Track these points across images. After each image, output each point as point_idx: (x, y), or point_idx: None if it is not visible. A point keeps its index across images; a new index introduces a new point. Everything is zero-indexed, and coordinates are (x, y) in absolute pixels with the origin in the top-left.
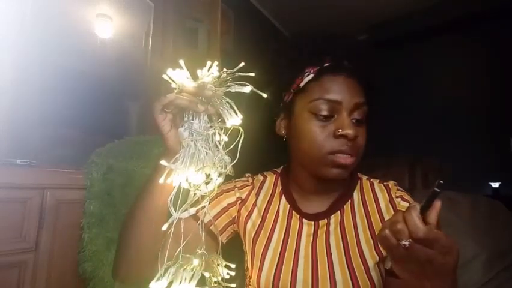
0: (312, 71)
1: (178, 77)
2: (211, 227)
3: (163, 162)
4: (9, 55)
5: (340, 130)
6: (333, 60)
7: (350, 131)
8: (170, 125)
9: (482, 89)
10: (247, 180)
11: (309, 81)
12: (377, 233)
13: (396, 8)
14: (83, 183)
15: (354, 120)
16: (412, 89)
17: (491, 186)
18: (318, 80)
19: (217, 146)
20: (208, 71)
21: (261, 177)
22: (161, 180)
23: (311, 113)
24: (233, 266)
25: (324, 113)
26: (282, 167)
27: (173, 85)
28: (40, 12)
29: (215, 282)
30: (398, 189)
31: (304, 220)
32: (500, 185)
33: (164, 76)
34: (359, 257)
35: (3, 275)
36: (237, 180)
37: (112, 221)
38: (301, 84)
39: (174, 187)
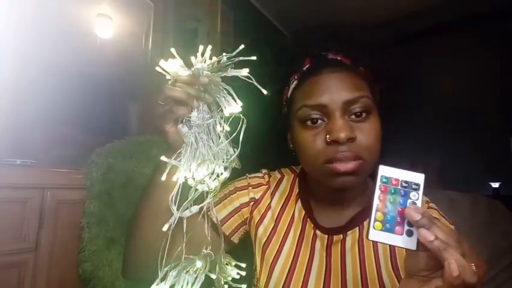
0: (295, 77)
1: (171, 66)
2: (222, 227)
3: (163, 158)
4: (9, 55)
5: (329, 136)
6: (312, 59)
7: (340, 135)
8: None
9: (482, 89)
10: (263, 178)
11: (294, 89)
12: (403, 259)
13: (396, 9)
14: (83, 183)
15: (353, 117)
16: (412, 89)
17: (491, 186)
18: (301, 85)
19: (219, 137)
20: (202, 56)
21: (278, 175)
22: (162, 178)
23: (299, 122)
24: (243, 265)
25: (310, 120)
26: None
27: (168, 77)
28: (40, 12)
29: (225, 282)
30: (429, 207)
31: (317, 232)
32: (500, 185)
33: (157, 68)
34: (378, 286)
35: (3, 275)
36: (251, 176)
37: (112, 221)
38: (289, 95)
39: (176, 184)
